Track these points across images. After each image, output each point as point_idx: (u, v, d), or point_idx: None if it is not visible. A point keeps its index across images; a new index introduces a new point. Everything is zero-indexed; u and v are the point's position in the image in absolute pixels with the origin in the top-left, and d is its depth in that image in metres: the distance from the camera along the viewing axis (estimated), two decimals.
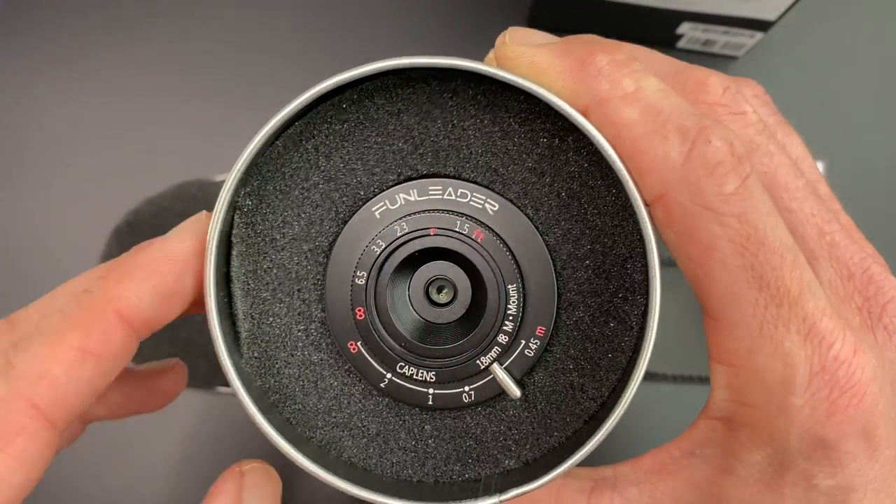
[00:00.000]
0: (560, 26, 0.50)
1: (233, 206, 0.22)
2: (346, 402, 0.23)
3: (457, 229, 0.22)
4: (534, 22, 0.50)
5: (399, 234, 0.22)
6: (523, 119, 0.22)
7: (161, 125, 0.48)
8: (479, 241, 0.22)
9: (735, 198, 0.20)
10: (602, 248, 0.22)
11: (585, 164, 0.22)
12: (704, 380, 0.45)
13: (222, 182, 0.43)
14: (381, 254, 0.22)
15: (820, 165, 0.50)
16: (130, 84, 0.49)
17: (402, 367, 0.23)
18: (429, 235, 0.22)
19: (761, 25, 0.47)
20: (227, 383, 0.46)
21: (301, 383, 0.23)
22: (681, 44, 0.50)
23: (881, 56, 0.53)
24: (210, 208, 0.22)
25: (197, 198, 0.45)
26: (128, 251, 0.23)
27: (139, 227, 0.45)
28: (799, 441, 0.20)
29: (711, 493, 0.22)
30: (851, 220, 0.25)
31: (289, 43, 0.50)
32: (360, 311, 0.22)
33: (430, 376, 0.23)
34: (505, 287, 0.22)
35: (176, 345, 0.45)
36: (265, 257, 0.23)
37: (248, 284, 0.23)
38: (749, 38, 0.49)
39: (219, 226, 0.22)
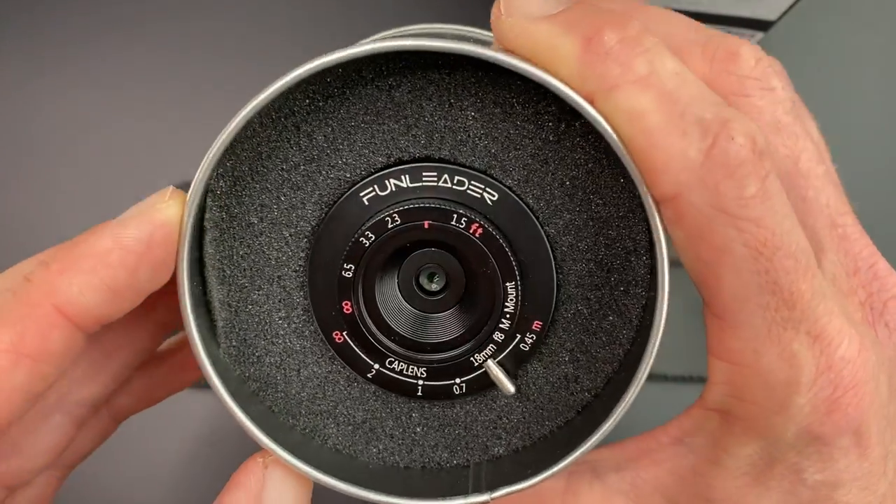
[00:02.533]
0: None
1: (207, 191, 0.20)
2: (330, 389, 0.22)
3: (453, 223, 0.20)
4: None
5: (390, 227, 0.20)
6: (527, 100, 0.20)
7: (160, 125, 0.48)
8: (476, 236, 0.20)
9: (755, 201, 0.18)
10: (606, 240, 0.21)
11: (593, 152, 0.20)
12: (704, 380, 0.45)
13: None
14: (370, 247, 0.20)
15: None
16: (130, 84, 0.49)
17: (391, 363, 0.21)
18: (422, 229, 0.20)
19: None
20: None
21: (283, 371, 0.22)
22: None
23: (881, 56, 0.53)
24: None
25: None
26: (82, 233, 0.20)
27: None
28: (795, 437, 0.20)
29: (695, 483, 0.22)
30: (854, 215, 0.25)
31: (290, 43, 0.50)
32: (346, 304, 0.21)
33: (420, 372, 0.22)
34: (503, 285, 0.20)
35: None
36: (241, 243, 0.21)
37: (224, 272, 0.21)
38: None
39: (193, 213, 0.20)
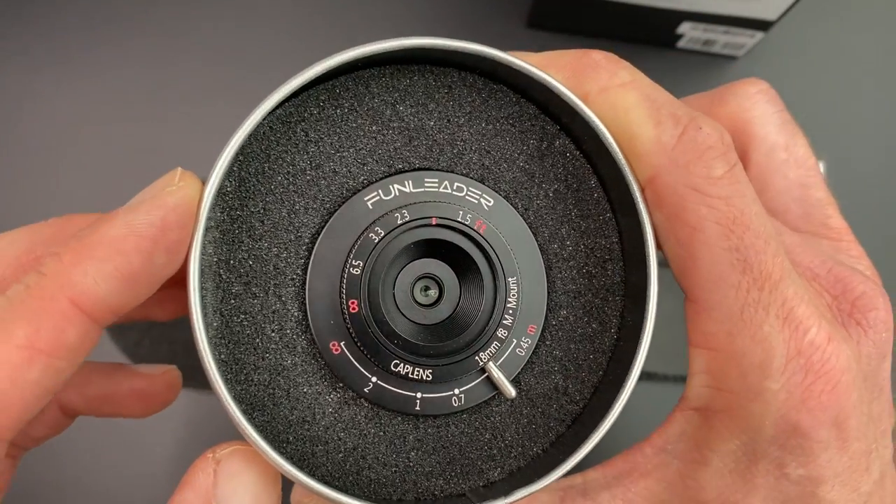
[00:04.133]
0: (560, 26, 0.50)
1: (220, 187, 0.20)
2: (320, 412, 0.21)
3: (459, 219, 0.21)
4: (534, 22, 0.50)
5: (400, 222, 0.21)
6: (515, 120, 0.22)
7: (161, 125, 0.48)
8: (481, 231, 0.21)
9: (723, 181, 0.20)
10: (585, 249, 0.22)
11: (571, 168, 0.22)
12: None
13: None
14: (379, 242, 0.21)
15: (820, 165, 0.50)
16: (130, 84, 0.49)
17: (396, 366, 0.21)
18: (430, 225, 0.21)
19: (762, 25, 0.47)
20: None
21: (271, 391, 0.21)
22: (681, 44, 0.50)
23: (881, 56, 0.53)
24: None
25: None
26: (90, 223, 0.19)
27: None
28: (773, 427, 0.21)
29: (686, 488, 0.22)
30: (844, 223, 0.26)
31: (291, 42, 0.50)
32: (353, 303, 0.21)
33: (426, 374, 0.21)
34: (505, 280, 0.21)
35: (176, 344, 0.45)
36: (241, 246, 0.21)
37: (220, 275, 0.21)
38: (749, 38, 0.49)
39: (206, 212, 0.19)
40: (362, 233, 0.21)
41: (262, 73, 0.49)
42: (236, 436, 0.20)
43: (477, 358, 0.21)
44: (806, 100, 0.51)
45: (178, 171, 0.20)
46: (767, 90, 0.26)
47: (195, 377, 0.46)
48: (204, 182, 0.20)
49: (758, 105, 0.26)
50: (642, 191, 0.21)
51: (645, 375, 0.46)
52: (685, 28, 0.48)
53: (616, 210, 0.23)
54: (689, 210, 0.20)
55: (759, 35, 0.48)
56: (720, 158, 0.20)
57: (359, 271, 0.21)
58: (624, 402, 0.21)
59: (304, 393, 0.21)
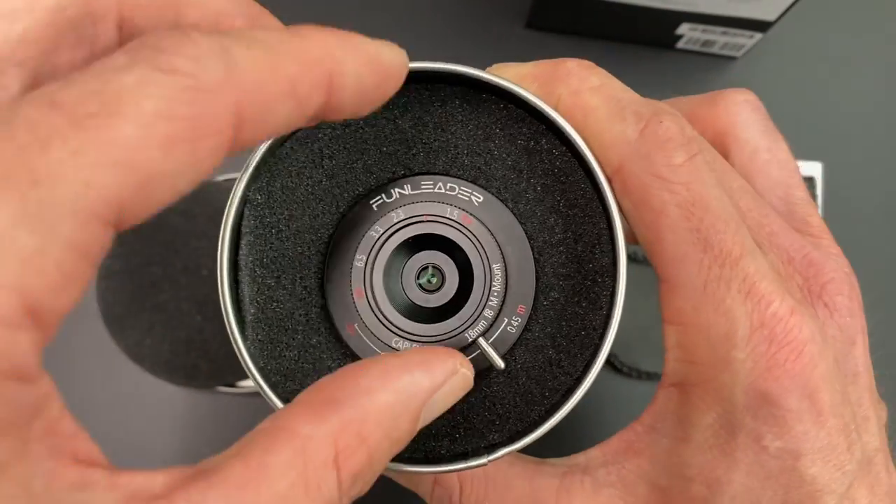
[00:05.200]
0: (560, 26, 0.50)
1: (244, 200, 0.25)
2: None
3: (447, 215, 0.25)
4: (533, 23, 0.50)
5: (395, 221, 0.25)
6: (503, 124, 0.25)
7: None
8: (466, 225, 0.25)
9: (683, 169, 0.22)
10: (573, 235, 0.25)
11: (557, 163, 0.25)
12: None
13: (223, 182, 0.43)
14: (378, 238, 0.25)
15: (818, 166, 0.50)
16: None
17: (397, 343, 0.25)
18: (422, 221, 0.25)
19: (760, 26, 0.47)
20: (226, 383, 0.47)
21: (301, 365, 0.25)
22: (680, 44, 0.50)
23: (881, 57, 0.53)
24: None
25: (198, 197, 0.45)
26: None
27: (140, 226, 0.45)
28: (744, 396, 0.22)
29: (672, 465, 0.24)
30: (823, 224, 0.27)
31: None
32: (358, 290, 0.25)
33: None
34: (490, 266, 0.25)
35: (177, 344, 0.45)
36: (272, 247, 0.25)
37: (255, 271, 0.25)
38: (748, 39, 0.49)
39: (232, 218, 0.24)
40: (365, 232, 0.25)
41: None
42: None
43: (466, 335, 0.25)
44: (804, 100, 0.52)
45: None
46: (754, 100, 0.28)
47: (196, 377, 0.46)
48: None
49: (743, 111, 0.28)
50: (609, 180, 0.24)
51: (645, 375, 0.47)
52: (684, 29, 0.48)
53: (603, 199, 0.25)
54: (653, 195, 0.22)
55: (757, 36, 0.48)
56: (680, 148, 0.22)
57: (362, 264, 0.25)
58: (599, 366, 0.24)
59: (329, 367, 0.25)
